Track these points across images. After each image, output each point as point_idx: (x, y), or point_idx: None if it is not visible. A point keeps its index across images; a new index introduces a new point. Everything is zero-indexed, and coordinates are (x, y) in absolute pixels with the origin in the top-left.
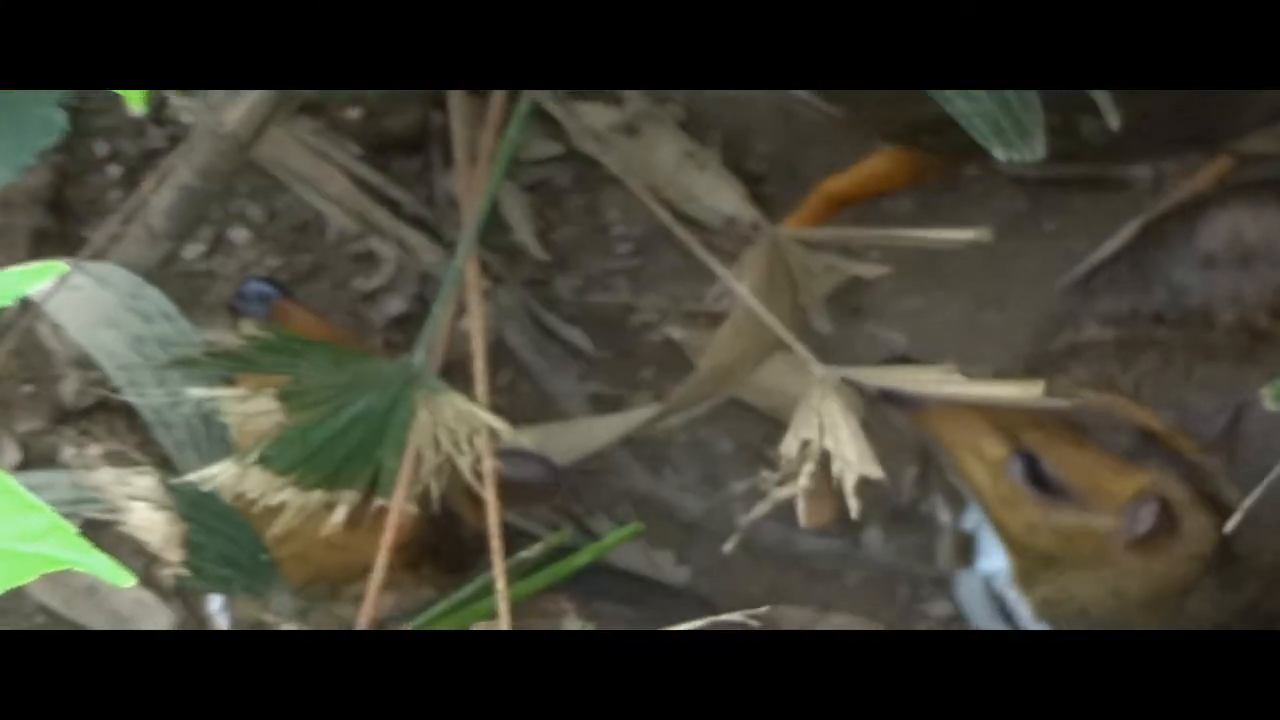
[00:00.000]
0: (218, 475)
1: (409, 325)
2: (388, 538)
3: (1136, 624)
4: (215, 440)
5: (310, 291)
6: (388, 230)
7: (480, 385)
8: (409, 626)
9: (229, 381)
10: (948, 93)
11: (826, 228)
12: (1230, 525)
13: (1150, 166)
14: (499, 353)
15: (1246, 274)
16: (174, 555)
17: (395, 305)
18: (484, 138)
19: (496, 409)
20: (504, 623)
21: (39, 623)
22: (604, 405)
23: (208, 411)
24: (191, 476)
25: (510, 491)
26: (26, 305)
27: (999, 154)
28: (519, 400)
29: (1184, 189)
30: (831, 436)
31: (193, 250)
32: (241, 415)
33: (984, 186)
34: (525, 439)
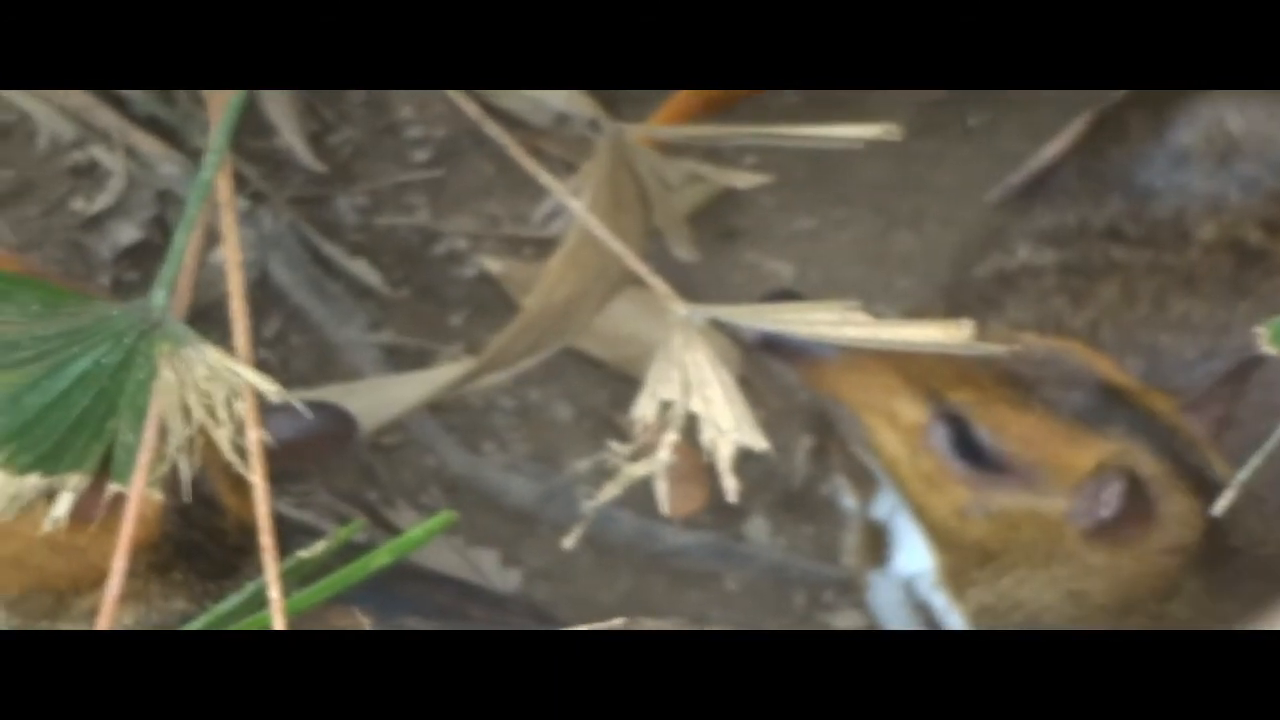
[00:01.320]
0: None
1: (145, 258)
2: (126, 535)
3: None
4: None
5: (13, 218)
6: (114, 135)
7: (240, 335)
8: None
9: None
10: None
11: (689, 125)
12: (1220, 507)
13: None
14: (264, 293)
15: (1230, 174)
16: None
17: (126, 233)
18: None
19: (263, 365)
20: None
21: None
22: (402, 360)
23: None
24: None
25: (289, 452)
26: None
27: None
28: (291, 354)
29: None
30: (699, 396)
31: None
32: None
33: None
34: (299, 404)
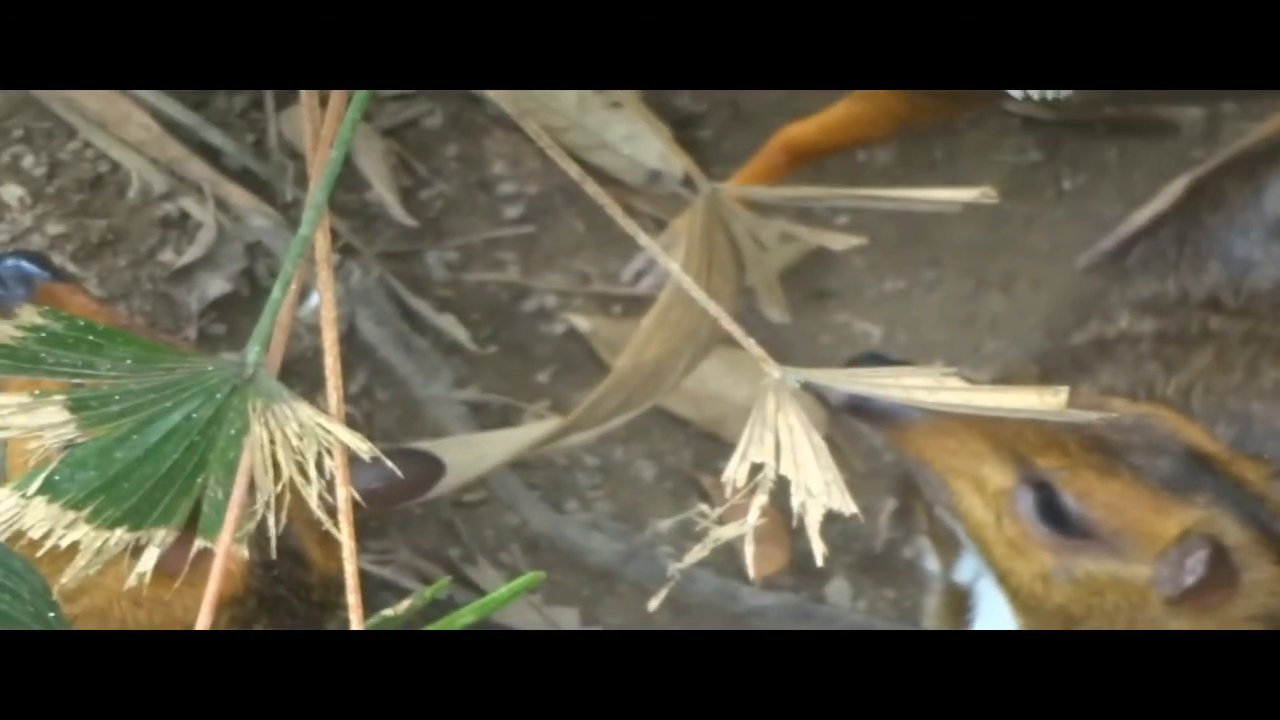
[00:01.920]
0: None
1: (232, 311)
2: (212, 590)
3: None
4: None
5: (102, 268)
6: (205, 187)
7: (333, 392)
8: None
9: None
10: None
11: (783, 185)
12: None
13: (1203, 106)
14: (350, 347)
15: None
16: None
17: (215, 285)
18: None
19: (348, 421)
20: None
21: None
22: (487, 417)
23: None
24: None
25: (377, 500)
26: None
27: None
28: (376, 409)
29: (1248, 135)
30: (789, 459)
31: None
32: (20, 430)
33: (986, 133)
34: (388, 460)
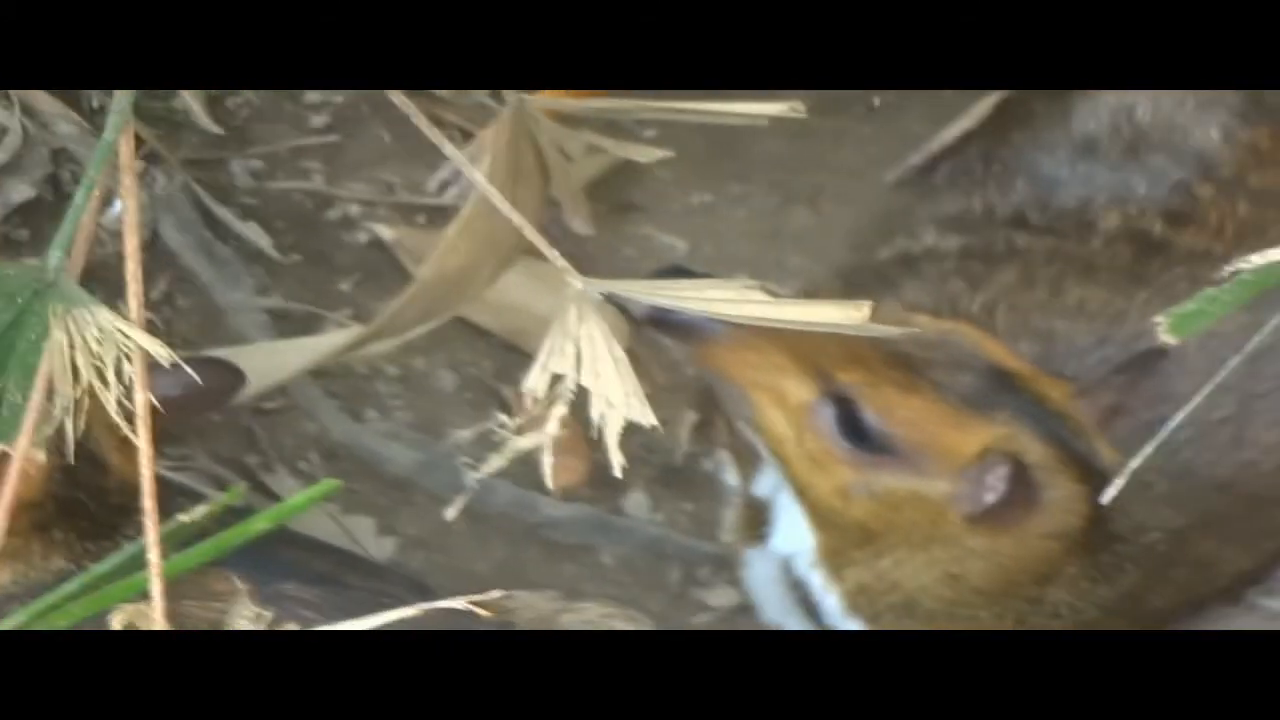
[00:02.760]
0: None
1: (35, 216)
2: (8, 493)
3: (976, 619)
4: None
5: None
6: (11, 92)
7: (134, 298)
8: (35, 606)
9: None
10: None
11: (590, 97)
12: (1108, 495)
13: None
14: (153, 254)
15: (1137, 166)
16: None
17: (19, 190)
18: None
19: (148, 327)
20: (157, 605)
21: None
22: (289, 325)
23: None
24: None
25: (175, 409)
26: None
27: None
28: (177, 316)
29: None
30: (590, 371)
31: None
32: None
33: None
34: (188, 367)
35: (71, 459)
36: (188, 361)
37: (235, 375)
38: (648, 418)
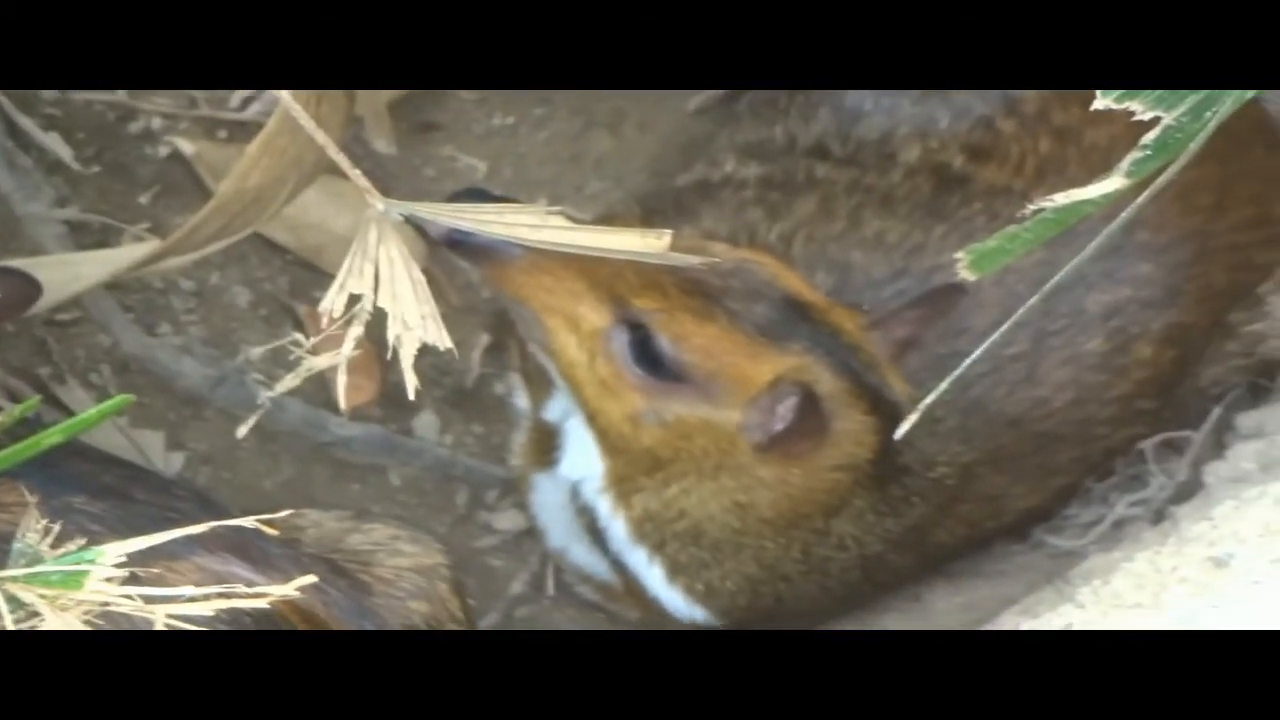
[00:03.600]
0: None
1: None
2: None
3: (763, 549)
4: None
5: None
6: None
7: None
8: None
9: None
10: None
11: None
12: (901, 430)
13: None
14: None
15: (942, 99)
16: None
17: None
18: None
19: None
20: None
21: None
22: (86, 237)
23: None
24: None
25: None
26: None
27: None
28: None
29: None
30: (387, 292)
31: None
32: None
33: None
34: None
35: None
36: None
37: (31, 285)
38: (445, 341)
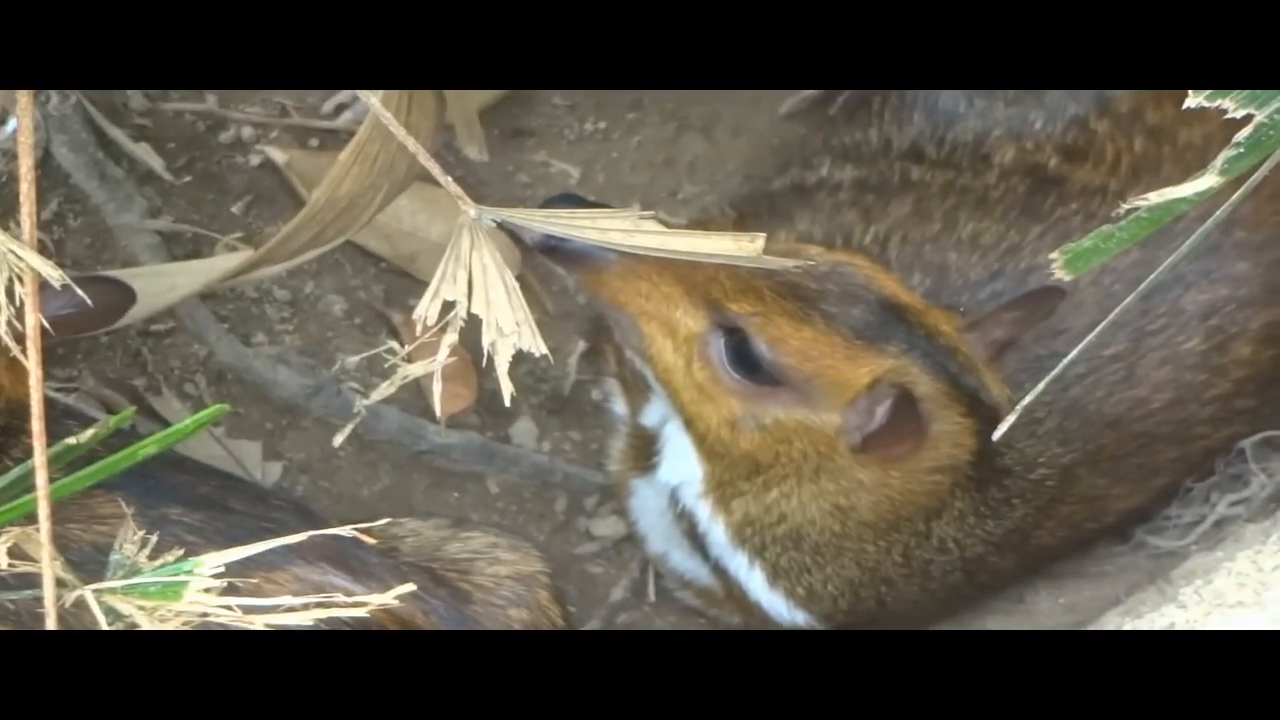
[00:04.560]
0: None
1: None
2: None
3: (864, 552)
4: None
5: None
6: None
7: (26, 219)
8: None
9: None
10: None
11: None
12: (999, 431)
13: None
14: (44, 174)
15: (1035, 100)
16: None
17: None
18: None
19: (40, 248)
20: (44, 527)
21: None
22: (179, 247)
23: None
24: None
25: (64, 327)
26: None
27: None
28: (68, 236)
29: None
30: (481, 298)
31: None
32: None
33: None
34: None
35: None
36: (78, 282)
37: (125, 294)
38: (540, 347)
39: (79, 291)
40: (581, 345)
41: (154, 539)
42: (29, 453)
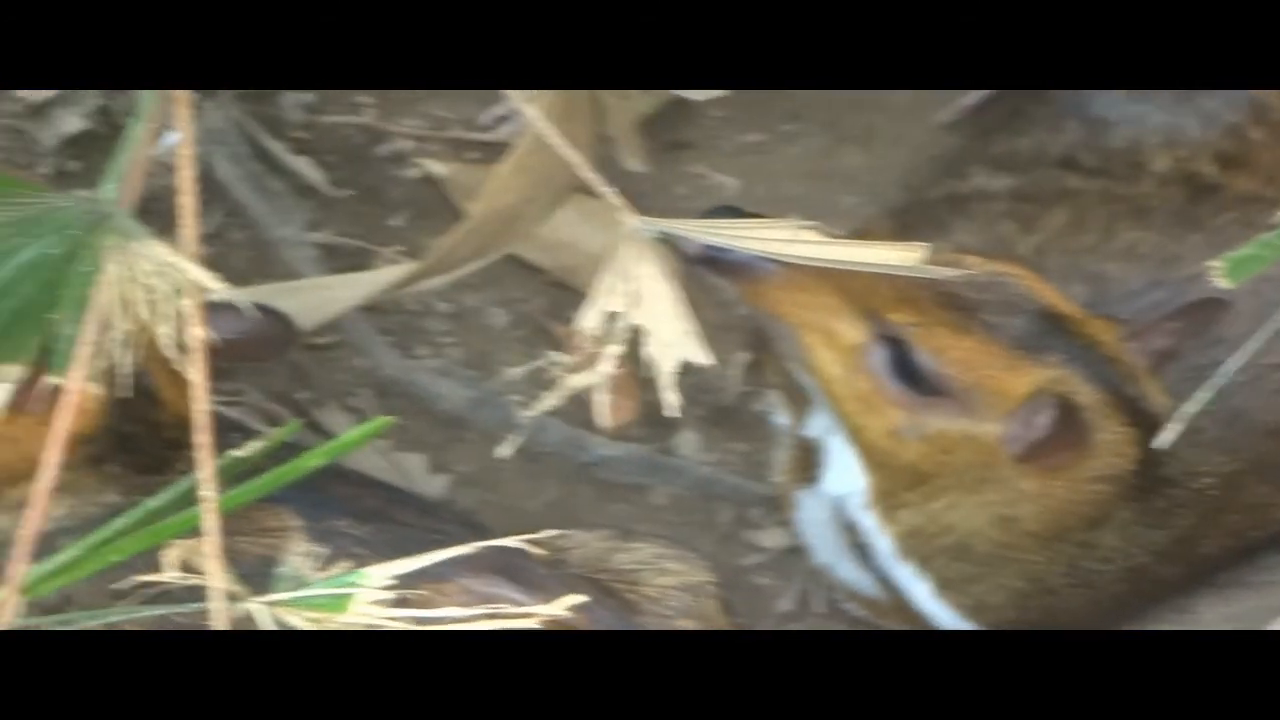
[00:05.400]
0: None
1: (89, 148)
2: (62, 426)
3: (1029, 562)
4: None
5: None
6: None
7: (188, 231)
8: (88, 540)
9: None
10: None
11: None
12: (1163, 439)
13: None
14: (204, 188)
15: (1190, 107)
16: None
17: (71, 122)
18: None
19: (201, 261)
20: (211, 540)
21: None
22: (340, 260)
23: None
24: None
25: (227, 351)
26: None
27: None
28: (229, 250)
29: None
30: (644, 309)
31: None
32: None
33: None
34: (245, 303)
35: (128, 393)
36: (243, 306)
37: (286, 325)
38: (703, 358)
39: (243, 307)
40: (743, 356)
41: (324, 550)
42: (194, 466)
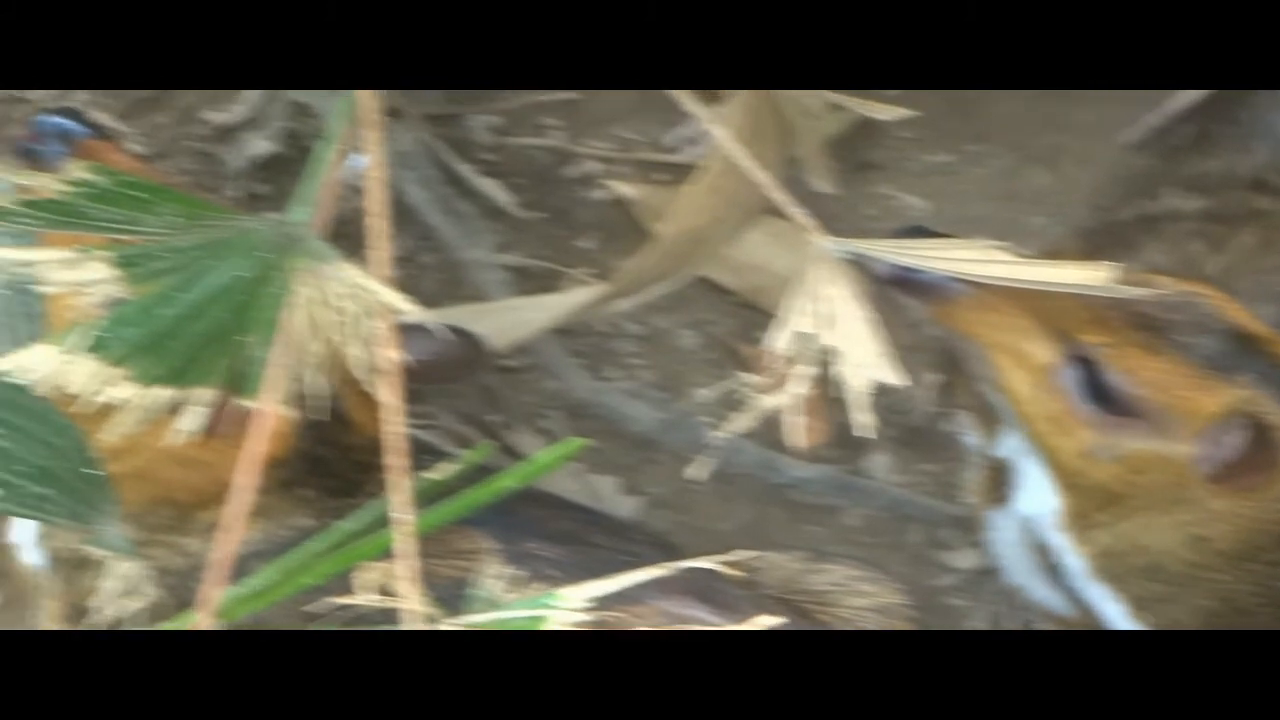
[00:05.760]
0: (32, 363)
1: (277, 171)
2: (255, 449)
3: (1221, 582)
4: (28, 317)
5: (145, 126)
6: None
7: (379, 253)
8: (281, 563)
9: (42, 240)
10: None
11: None
12: None
13: None
14: (394, 211)
15: None
16: None
17: (259, 145)
18: None
19: (394, 284)
20: (406, 563)
21: None
22: (529, 282)
23: (18, 279)
24: None
25: (418, 373)
26: None
27: None
28: (420, 273)
29: None
30: (836, 330)
31: None
32: (65, 285)
33: None
34: (435, 324)
35: (322, 416)
36: (435, 328)
37: (478, 347)
38: (896, 378)
39: (433, 327)
40: (934, 377)
41: (522, 573)
42: (384, 489)
